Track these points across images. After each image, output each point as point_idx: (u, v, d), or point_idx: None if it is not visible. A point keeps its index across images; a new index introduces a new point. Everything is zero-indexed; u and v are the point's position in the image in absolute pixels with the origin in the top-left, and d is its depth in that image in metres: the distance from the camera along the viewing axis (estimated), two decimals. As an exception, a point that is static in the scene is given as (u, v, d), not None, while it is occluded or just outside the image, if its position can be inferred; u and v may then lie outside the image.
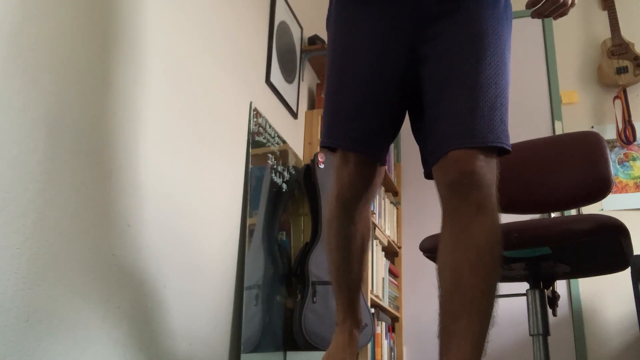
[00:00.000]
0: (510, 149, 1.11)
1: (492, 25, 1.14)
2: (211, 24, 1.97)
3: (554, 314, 1.56)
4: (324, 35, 3.00)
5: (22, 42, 1.15)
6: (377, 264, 2.86)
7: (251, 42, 2.32)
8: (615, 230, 1.27)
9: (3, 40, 1.10)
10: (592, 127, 3.36)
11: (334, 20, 1.32)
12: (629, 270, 2.34)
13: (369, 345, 2.63)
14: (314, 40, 2.95)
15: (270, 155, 2.35)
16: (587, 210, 3.00)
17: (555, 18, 1.16)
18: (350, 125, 1.23)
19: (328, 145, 1.27)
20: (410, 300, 3.39)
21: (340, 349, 1.34)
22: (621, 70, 3.31)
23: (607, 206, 3.16)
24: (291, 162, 2.58)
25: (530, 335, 1.53)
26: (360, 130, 1.23)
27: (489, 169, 1.07)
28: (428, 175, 1.19)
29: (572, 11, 3.63)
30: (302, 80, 2.91)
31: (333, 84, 1.27)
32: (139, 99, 1.53)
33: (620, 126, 3.27)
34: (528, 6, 1.15)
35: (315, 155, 2.61)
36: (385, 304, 2.94)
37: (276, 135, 2.46)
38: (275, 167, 2.38)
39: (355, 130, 1.23)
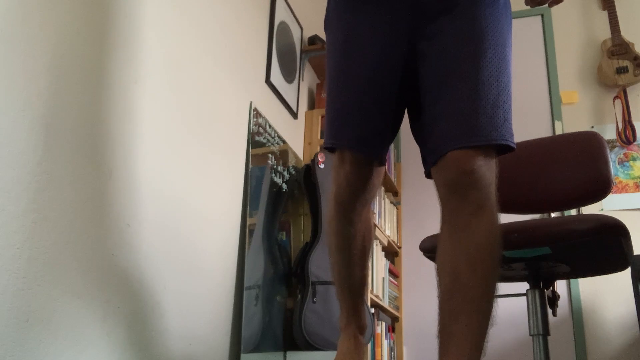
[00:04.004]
0: (515, 146, 1.10)
1: (491, 22, 1.14)
2: (211, 24, 1.97)
3: (554, 314, 1.56)
4: (324, 35, 3.01)
5: (22, 42, 1.15)
6: (377, 264, 2.86)
7: (251, 42, 2.32)
8: (615, 230, 1.27)
9: (3, 40, 1.10)
10: (592, 127, 3.36)
11: (332, 20, 1.31)
12: (629, 270, 2.34)
13: (369, 345, 2.63)
14: (314, 40, 2.95)
15: (270, 155, 2.35)
16: (587, 210, 3.00)
17: (550, 5, 1.16)
18: (353, 125, 1.22)
19: (330, 147, 1.27)
20: (410, 300, 3.39)
21: (348, 356, 1.33)
22: (621, 70, 3.31)
23: (607, 206, 3.16)
24: (291, 162, 2.59)
25: (530, 335, 1.53)
26: (364, 130, 1.22)
27: (488, 169, 1.07)
28: (429, 174, 1.18)
29: (572, 11, 3.64)
30: (302, 80, 2.91)
31: (334, 84, 1.26)
32: (139, 98, 1.53)
33: (620, 126, 3.27)
34: None
35: (315, 155, 2.61)
36: (385, 304, 2.94)
37: (276, 135, 2.46)
38: (275, 167, 2.38)
39: (358, 130, 1.22)
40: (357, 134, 1.22)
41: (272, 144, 2.39)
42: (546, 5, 1.16)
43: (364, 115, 1.21)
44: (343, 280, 1.35)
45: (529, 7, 1.17)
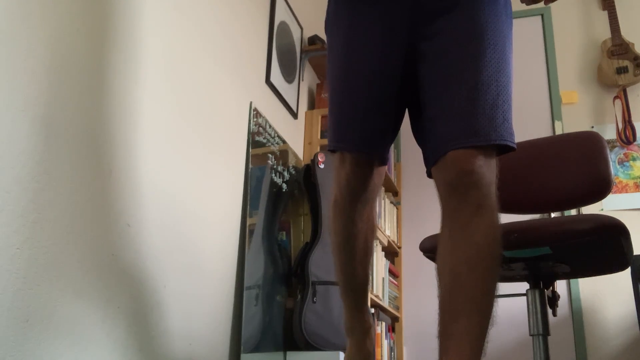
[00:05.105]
0: (515, 146, 1.11)
1: (491, 21, 1.14)
2: (211, 24, 1.97)
3: (554, 314, 1.56)
4: (324, 35, 3.00)
5: (22, 42, 1.15)
6: (377, 264, 2.86)
7: (251, 42, 2.32)
8: (615, 230, 1.27)
9: (3, 40, 1.10)
10: (592, 127, 3.36)
11: (332, 22, 1.31)
12: (629, 270, 2.34)
13: (369, 345, 2.63)
14: (314, 40, 2.95)
15: (270, 155, 2.35)
16: (587, 210, 3.00)
17: (546, 3, 1.16)
18: (357, 127, 1.22)
19: (334, 149, 1.27)
20: (410, 300, 3.39)
21: None
22: (621, 70, 3.31)
23: (607, 206, 3.16)
24: (291, 162, 2.58)
25: (530, 335, 1.53)
26: (367, 131, 1.22)
27: (488, 169, 1.07)
28: (430, 174, 1.18)
29: (572, 11, 3.64)
30: (302, 80, 2.91)
31: (336, 86, 1.26)
32: (139, 98, 1.53)
33: (620, 126, 3.27)
34: None
35: (315, 155, 2.61)
36: (385, 304, 2.94)
37: (276, 135, 2.46)
38: (275, 167, 2.38)
39: (360, 131, 1.22)
40: (359, 135, 1.22)
41: (272, 144, 2.39)
42: (542, 4, 1.16)
43: (366, 117, 1.21)
44: (346, 279, 1.36)
45: (529, 7, 1.17)
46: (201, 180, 1.83)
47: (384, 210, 3.17)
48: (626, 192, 3.21)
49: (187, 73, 1.79)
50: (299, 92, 2.82)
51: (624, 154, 3.28)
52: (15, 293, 1.08)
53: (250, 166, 2.16)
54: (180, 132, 1.72)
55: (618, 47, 3.35)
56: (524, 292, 1.56)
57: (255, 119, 2.25)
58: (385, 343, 2.90)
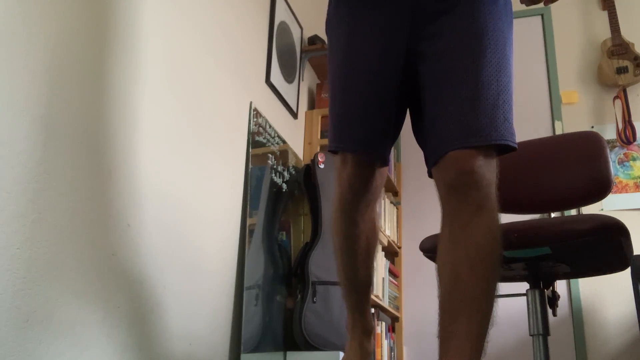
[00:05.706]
0: (516, 146, 1.10)
1: (491, 21, 1.14)
2: (211, 24, 1.97)
3: (554, 314, 1.56)
4: (324, 35, 3.00)
5: (22, 42, 1.15)
6: (377, 264, 2.86)
7: (251, 42, 2.32)
8: (615, 230, 1.27)
9: (3, 40, 1.10)
10: (592, 127, 3.36)
11: (333, 22, 1.31)
12: (629, 270, 2.34)
13: (369, 345, 2.63)
14: (314, 40, 2.95)
15: (270, 155, 2.35)
16: (587, 210, 3.00)
17: (545, 4, 1.16)
18: (357, 127, 1.22)
19: (335, 150, 1.27)
20: (410, 300, 3.39)
21: None
22: (621, 70, 3.31)
23: (607, 206, 3.16)
24: (291, 162, 2.58)
25: (530, 335, 1.53)
26: (368, 131, 1.22)
27: (488, 169, 1.07)
28: (431, 174, 1.18)
29: (572, 11, 3.64)
30: (302, 80, 2.91)
31: (337, 87, 1.26)
32: (139, 99, 1.53)
33: (620, 126, 3.27)
34: None
35: (315, 155, 2.61)
36: (385, 304, 2.94)
37: (276, 135, 2.46)
38: (275, 167, 2.38)
39: (361, 132, 1.22)
40: (360, 136, 1.22)
41: (272, 144, 2.39)
42: (542, 4, 1.16)
43: (367, 117, 1.21)
44: (348, 281, 1.35)
45: (529, 7, 1.17)
46: (201, 180, 1.83)
47: (384, 210, 3.17)
48: (626, 192, 3.20)
49: (187, 73, 1.79)
50: (299, 92, 2.82)
51: (624, 154, 3.28)
52: (15, 293, 1.08)
53: (250, 166, 2.16)
54: (180, 132, 1.72)
55: (618, 47, 3.35)
56: (524, 292, 1.56)
57: (255, 119, 2.25)
58: (385, 343, 2.90)
